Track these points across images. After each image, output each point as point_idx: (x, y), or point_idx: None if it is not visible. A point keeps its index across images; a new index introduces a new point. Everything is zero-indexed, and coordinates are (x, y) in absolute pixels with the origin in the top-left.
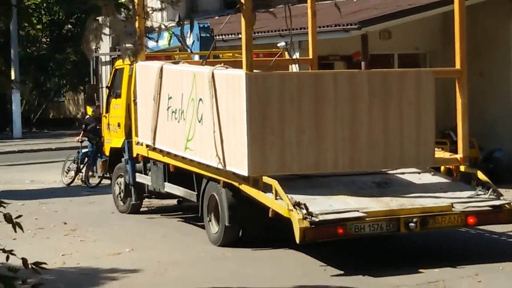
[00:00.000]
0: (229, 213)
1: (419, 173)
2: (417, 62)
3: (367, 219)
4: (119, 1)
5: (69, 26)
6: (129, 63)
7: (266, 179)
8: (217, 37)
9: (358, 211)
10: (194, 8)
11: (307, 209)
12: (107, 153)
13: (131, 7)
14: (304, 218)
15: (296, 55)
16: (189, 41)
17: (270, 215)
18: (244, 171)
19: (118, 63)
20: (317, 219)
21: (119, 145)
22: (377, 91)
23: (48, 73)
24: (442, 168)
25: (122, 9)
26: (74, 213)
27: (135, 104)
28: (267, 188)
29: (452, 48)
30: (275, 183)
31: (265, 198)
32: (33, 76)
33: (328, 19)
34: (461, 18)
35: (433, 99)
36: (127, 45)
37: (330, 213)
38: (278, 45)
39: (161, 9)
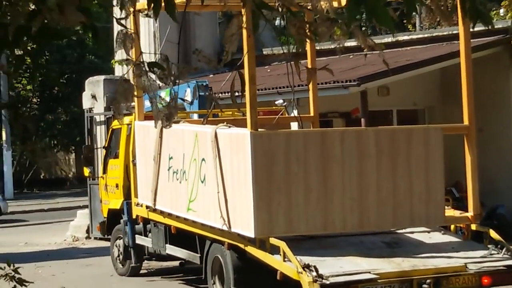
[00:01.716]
0: (234, 276)
1: (429, 232)
2: (415, 118)
3: (379, 280)
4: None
5: None
6: (127, 123)
7: (273, 241)
8: (222, 95)
9: (369, 272)
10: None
11: (317, 271)
12: (105, 215)
13: (165, 65)
14: (315, 281)
15: (295, 113)
16: (189, 99)
17: (278, 277)
18: (250, 233)
19: (115, 123)
20: (328, 282)
21: (118, 207)
22: (385, 148)
23: (39, 133)
24: (452, 226)
25: (156, 69)
26: (72, 276)
27: (134, 164)
28: (274, 250)
29: (451, 104)
30: (283, 245)
31: (273, 261)
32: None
33: (327, 75)
34: (467, 72)
35: (442, 156)
36: (159, 108)
37: (341, 275)
38: (276, 102)
39: (195, 68)
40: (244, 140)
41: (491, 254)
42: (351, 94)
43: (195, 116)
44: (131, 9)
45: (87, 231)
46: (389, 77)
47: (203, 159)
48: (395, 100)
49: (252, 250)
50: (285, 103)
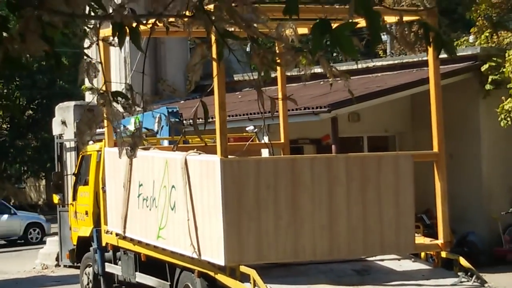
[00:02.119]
0: None
1: (399, 259)
2: (386, 145)
3: None
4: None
5: (30, 112)
6: (97, 149)
7: (243, 269)
8: (186, 122)
9: None
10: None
11: None
12: (75, 242)
13: (129, 95)
14: None
15: (265, 139)
16: (157, 127)
17: None
18: (220, 261)
19: (85, 149)
20: None
21: (87, 234)
22: (355, 175)
23: (9, 159)
24: (423, 254)
25: (120, 98)
26: None
27: (104, 191)
28: (244, 278)
29: (421, 130)
30: (253, 273)
31: None
32: None
33: (297, 102)
34: (437, 100)
35: (412, 183)
36: (123, 138)
37: None
38: (247, 129)
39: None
40: (214, 167)
41: (461, 282)
42: (321, 121)
43: (166, 143)
44: (95, 38)
45: (57, 259)
46: (359, 103)
47: (173, 186)
48: (366, 126)
49: (222, 278)
50: (256, 130)
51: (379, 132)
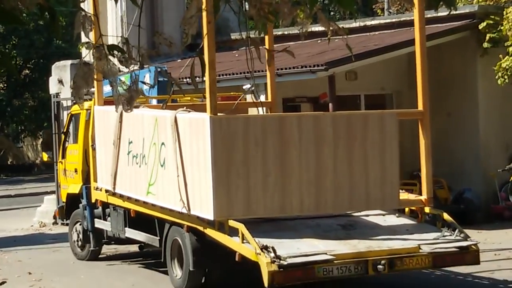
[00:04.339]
0: (193, 258)
1: (383, 215)
2: (383, 103)
3: (335, 261)
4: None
5: (27, 71)
6: (87, 108)
7: (232, 223)
8: (182, 80)
9: (326, 253)
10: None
11: (275, 252)
12: (64, 199)
13: (125, 48)
14: (272, 262)
15: (262, 98)
16: (144, 85)
17: (237, 259)
18: (209, 215)
19: (74, 108)
20: (285, 263)
21: (77, 191)
22: (342, 133)
23: (6, 119)
24: (407, 209)
25: (116, 52)
26: (38, 262)
27: (94, 149)
28: (233, 232)
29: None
30: (241, 227)
31: (232, 242)
32: None
33: (294, 60)
34: (422, 60)
35: (397, 141)
36: (120, 91)
37: (298, 256)
38: (244, 87)
39: (156, 51)
40: (204, 124)
41: (443, 236)
42: (318, 79)
43: (154, 101)
44: None
45: (54, 217)
46: (357, 61)
47: (162, 143)
48: (363, 84)
49: (211, 232)
50: (253, 88)
51: (376, 90)
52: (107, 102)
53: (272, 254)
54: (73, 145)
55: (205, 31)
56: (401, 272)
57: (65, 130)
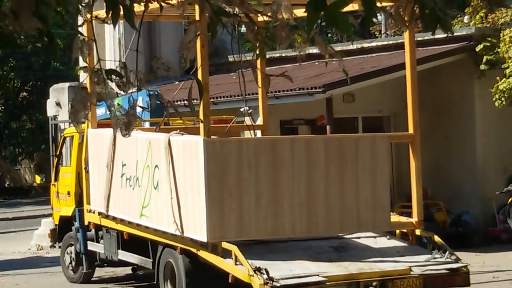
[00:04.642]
0: (186, 280)
1: (374, 237)
2: (381, 125)
3: (327, 283)
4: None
5: (25, 93)
6: (80, 131)
7: (225, 245)
8: (178, 103)
9: (318, 275)
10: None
11: (268, 274)
12: (56, 222)
13: (123, 73)
14: (265, 283)
15: (259, 120)
16: (138, 109)
17: (230, 281)
18: (203, 237)
19: (67, 131)
20: (278, 284)
21: (69, 214)
22: (333, 156)
23: (4, 141)
24: (397, 231)
25: (114, 77)
26: (35, 285)
27: (87, 172)
28: (226, 254)
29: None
30: (234, 249)
31: (225, 264)
32: None
33: (292, 82)
34: (413, 84)
35: (389, 164)
36: (118, 116)
37: (291, 278)
38: (241, 109)
39: (154, 76)
40: (197, 147)
41: (434, 258)
42: (316, 101)
43: (147, 124)
44: (88, 16)
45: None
46: (354, 84)
47: (156, 166)
48: (361, 107)
49: (204, 254)
50: (250, 110)
51: (373, 112)
52: (100, 125)
53: (265, 276)
54: (66, 167)
55: (199, 54)
56: None
57: (58, 153)
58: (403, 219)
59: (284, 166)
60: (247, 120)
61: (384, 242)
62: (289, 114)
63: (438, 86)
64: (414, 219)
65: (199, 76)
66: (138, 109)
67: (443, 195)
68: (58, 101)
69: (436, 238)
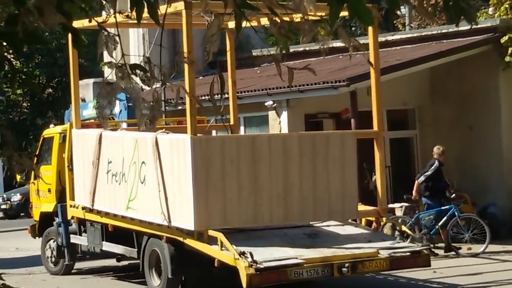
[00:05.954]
0: (171, 266)
1: (343, 225)
2: (405, 118)
3: (305, 265)
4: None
5: (50, 90)
6: (60, 132)
7: (212, 232)
8: (202, 98)
9: (296, 258)
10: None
11: (252, 257)
12: (36, 218)
13: (147, 67)
14: (250, 266)
15: (284, 114)
16: (115, 110)
17: (216, 265)
18: (190, 226)
19: (47, 132)
20: (261, 266)
21: (50, 210)
22: (307, 151)
23: (29, 138)
24: (363, 220)
25: (138, 71)
26: (62, 281)
27: (70, 170)
28: (211, 241)
29: (440, 103)
30: (220, 236)
31: (211, 250)
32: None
33: (316, 76)
34: (377, 83)
35: (355, 158)
36: (143, 111)
37: (273, 261)
38: (266, 104)
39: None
40: (185, 144)
41: (398, 243)
42: (340, 95)
43: (124, 125)
44: (112, 11)
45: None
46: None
47: (143, 162)
48: (385, 100)
49: (190, 242)
50: (275, 104)
51: (398, 105)
52: (84, 125)
53: (250, 259)
54: (46, 166)
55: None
56: (362, 274)
57: (37, 153)
58: (369, 208)
59: (263, 161)
60: (271, 115)
61: (352, 229)
62: (314, 108)
63: (463, 78)
64: (379, 208)
65: (186, 79)
66: (115, 111)
67: (468, 187)
68: (83, 97)
69: (399, 224)
